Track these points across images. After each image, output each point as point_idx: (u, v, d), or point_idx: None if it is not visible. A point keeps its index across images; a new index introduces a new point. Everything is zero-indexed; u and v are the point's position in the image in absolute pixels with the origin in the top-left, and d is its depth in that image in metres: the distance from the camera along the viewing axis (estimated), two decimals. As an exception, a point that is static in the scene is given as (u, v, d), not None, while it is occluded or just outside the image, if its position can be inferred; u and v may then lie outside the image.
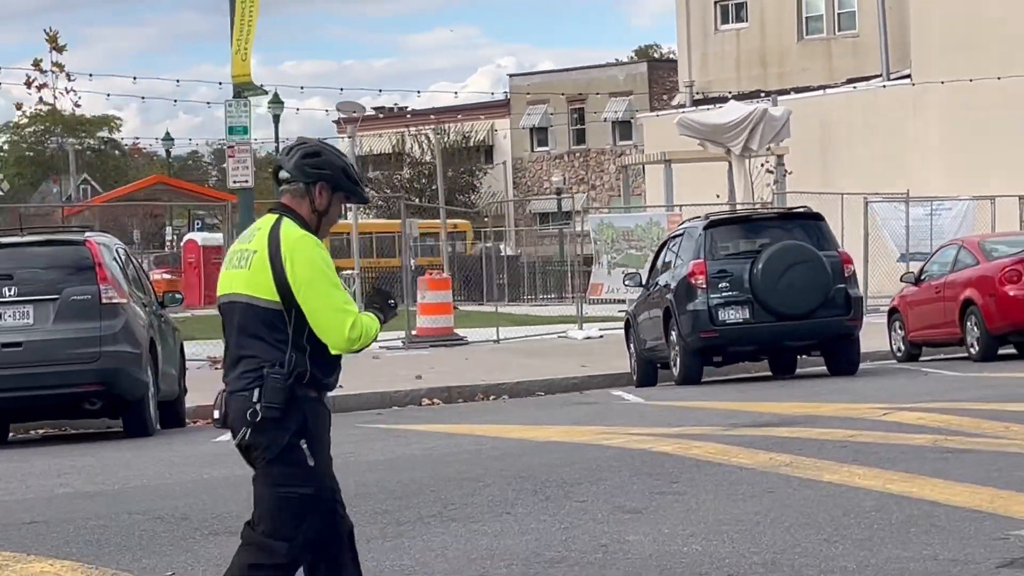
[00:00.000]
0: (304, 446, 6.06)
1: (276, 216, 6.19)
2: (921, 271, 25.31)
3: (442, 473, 12.08)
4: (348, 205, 6.85)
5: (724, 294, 20.28)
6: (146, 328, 16.86)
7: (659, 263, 22.47)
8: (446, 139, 72.50)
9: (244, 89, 25.01)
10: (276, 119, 56.18)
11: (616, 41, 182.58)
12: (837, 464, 11.45)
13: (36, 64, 43.65)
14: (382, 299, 6.32)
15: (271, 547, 6.08)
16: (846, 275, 20.61)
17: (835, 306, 20.32)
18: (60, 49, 44.98)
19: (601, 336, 29.55)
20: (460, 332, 29.97)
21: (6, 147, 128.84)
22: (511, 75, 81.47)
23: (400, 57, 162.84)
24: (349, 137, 42.19)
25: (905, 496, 9.98)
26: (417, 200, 64.23)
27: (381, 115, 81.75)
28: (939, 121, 44.96)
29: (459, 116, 74.75)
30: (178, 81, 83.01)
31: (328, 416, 6.26)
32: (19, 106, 55.10)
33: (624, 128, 72.38)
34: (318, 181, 6.19)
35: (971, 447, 12.25)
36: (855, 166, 45.22)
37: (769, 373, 22.43)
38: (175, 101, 56.48)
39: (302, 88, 68.53)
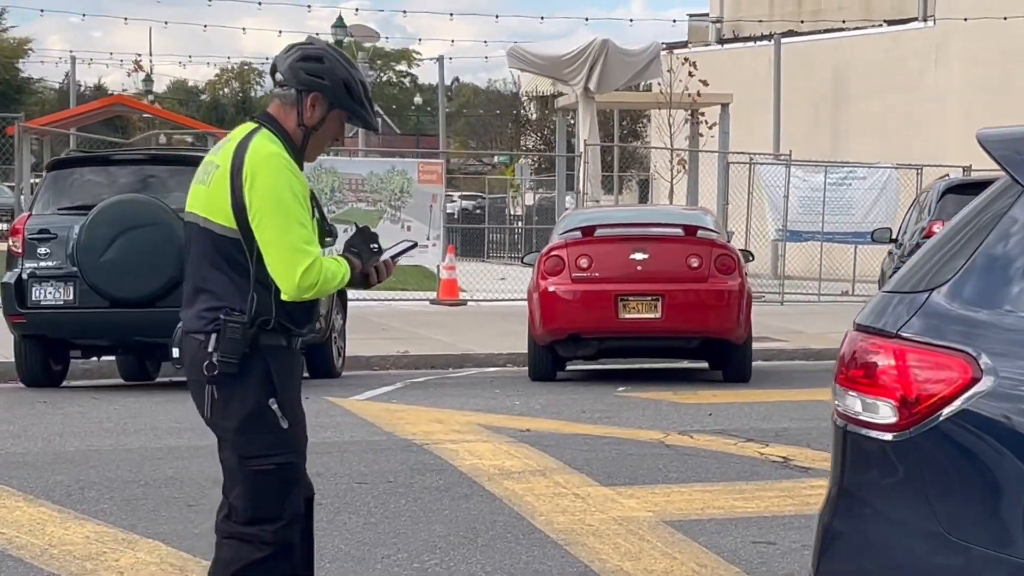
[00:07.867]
0: (274, 406, 5.06)
1: (253, 127, 5.18)
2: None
3: None
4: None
5: (43, 263, 14.75)
6: None
7: None
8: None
9: None
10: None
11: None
12: None
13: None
14: (363, 242, 5.23)
15: (256, 536, 5.09)
16: None
17: None
18: None
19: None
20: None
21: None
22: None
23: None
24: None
25: None
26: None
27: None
28: (962, 70, 36.19)
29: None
30: None
31: (300, 366, 5.31)
32: None
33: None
34: (312, 91, 5.17)
35: None
36: (867, 124, 37.51)
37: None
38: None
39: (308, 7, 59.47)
